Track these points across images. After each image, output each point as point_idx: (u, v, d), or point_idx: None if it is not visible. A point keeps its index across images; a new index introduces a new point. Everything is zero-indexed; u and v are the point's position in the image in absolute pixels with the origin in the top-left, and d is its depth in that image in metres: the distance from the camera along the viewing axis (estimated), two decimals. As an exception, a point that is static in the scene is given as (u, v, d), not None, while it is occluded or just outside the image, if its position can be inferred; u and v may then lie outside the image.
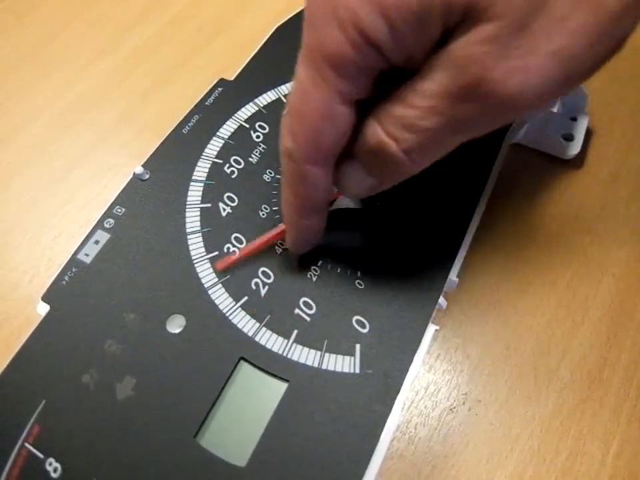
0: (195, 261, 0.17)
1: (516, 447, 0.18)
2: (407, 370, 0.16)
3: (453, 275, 0.18)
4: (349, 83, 0.12)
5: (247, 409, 0.15)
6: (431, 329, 0.17)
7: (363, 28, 0.11)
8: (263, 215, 0.18)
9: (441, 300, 0.17)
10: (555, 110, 0.21)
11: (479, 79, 0.11)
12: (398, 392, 0.15)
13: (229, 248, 0.18)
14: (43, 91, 0.26)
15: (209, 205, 0.18)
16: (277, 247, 0.18)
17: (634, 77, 0.26)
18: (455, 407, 0.19)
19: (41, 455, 0.14)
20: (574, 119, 0.24)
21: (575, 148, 0.23)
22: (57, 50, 0.28)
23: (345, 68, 0.12)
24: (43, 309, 0.16)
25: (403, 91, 0.12)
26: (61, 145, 0.25)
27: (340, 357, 0.16)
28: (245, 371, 0.16)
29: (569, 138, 0.24)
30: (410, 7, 0.11)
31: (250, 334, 0.16)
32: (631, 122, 0.25)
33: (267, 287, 0.17)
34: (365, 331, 0.16)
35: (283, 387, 0.15)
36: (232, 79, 0.21)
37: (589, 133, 0.24)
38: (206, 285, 0.17)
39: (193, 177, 0.19)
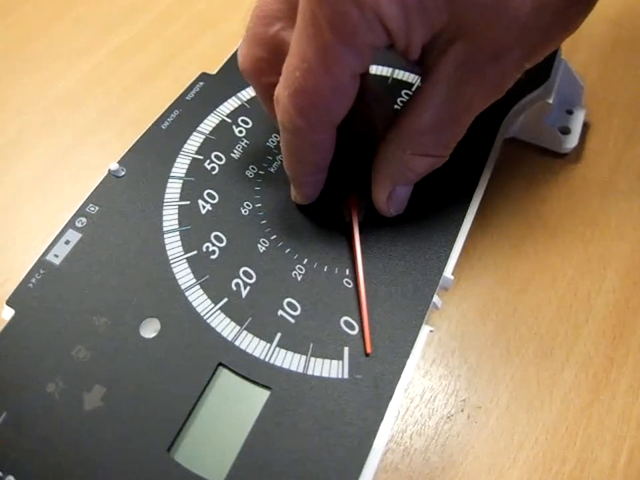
0: (171, 261, 0.16)
1: (519, 456, 0.17)
2: (400, 375, 0.15)
3: (447, 272, 0.17)
4: (360, 59, 0.13)
5: (226, 419, 0.14)
6: (425, 330, 0.16)
7: (383, 16, 0.12)
8: (245, 212, 0.17)
9: (436, 299, 0.16)
10: (550, 101, 0.21)
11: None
12: (390, 399, 0.14)
13: (208, 247, 0.17)
14: (24, 89, 0.26)
15: (188, 202, 0.17)
16: (259, 245, 0.17)
17: (631, 68, 0.26)
18: (452, 415, 0.18)
19: (-1, 473, 0.13)
20: (570, 112, 0.23)
21: (572, 141, 0.23)
22: (39, 48, 0.27)
23: (359, 46, 0.12)
24: (8, 313, 0.15)
25: (425, 118, 0.14)
26: (40, 144, 0.24)
27: (327, 361, 0.15)
28: (224, 378, 0.15)
29: (566, 131, 0.23)
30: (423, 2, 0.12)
31: (229, 338, 0.15)
32: (629, 114, 0.24)
33: (248, 288, 0.16)
34: (354, 333, 0.15)
35: (264, 394, 0.14)
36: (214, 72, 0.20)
37: (586, 126, 0.24)
38: (183, 287, 0.16)
39: (171, 174, 0.18)
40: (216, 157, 0.18)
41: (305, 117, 0.13)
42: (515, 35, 0.12)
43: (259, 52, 0.14)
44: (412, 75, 0.21)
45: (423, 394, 0.18)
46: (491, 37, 0.12)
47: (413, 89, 0.20)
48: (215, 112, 0.19)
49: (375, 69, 0.21)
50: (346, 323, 0.15)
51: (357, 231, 0.16)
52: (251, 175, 0.18)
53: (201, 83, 0.20)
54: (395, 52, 0.14)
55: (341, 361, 0.15)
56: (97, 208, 0.17)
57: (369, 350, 0.15)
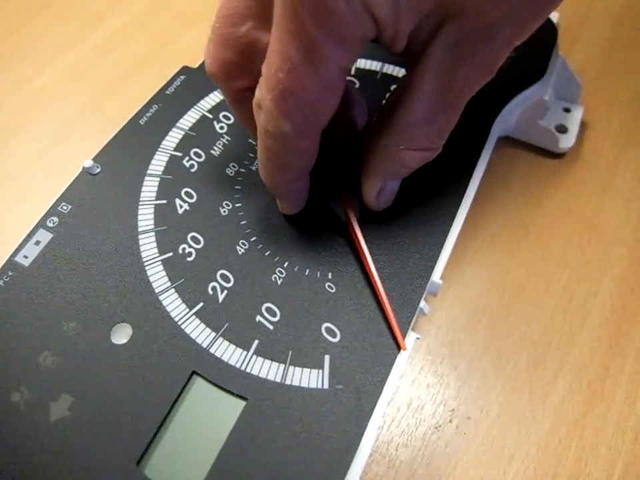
0: (146, 263, 0.15)
1: (509, 469, 0.16)
2: (383, 385, 0.14)
3: (436, 277, 0.16)
4: (348, 54, 0.12)
5: (199, 431, 0.14)
6: (412, 337, 0.15)
7: (371, 4, 0.11)
8: (225, 211, 0.17)
9: (423, 304, 0.16)
10: (546, 98, 0.20)
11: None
12: (372, 411, 0.14)
13: (184, 248, 0.16)
14: (2, 84, 0.25)
15: (165, 201, 0.17)
16: (238, 247, 0.16)
17: (630, 66, 0.25)
18: (440, 425, 0.17)
19: (-44, 489, 0.12)
20: (567, 110, 0.23)
21: (569, 140, 0.22)
22: (18, 42, 0.26)
23: (347, 39, 0.11)
24: (-28, 318, 0.15)
25: (418, 108, 0.13)
26: (18, 140, 0.23)
27: (306, 370, 0.14)
28: (198, 388, 0.14)
29: (563, 130, 0.22)
30: None
31: (204, 345, 0.14)
32: (628, 113, 0.23)
33: (225, 292, 0.15)
34: (336, 340, 0.15)
35: (240, 405, 0.14)
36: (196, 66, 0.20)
37: (583, 125, 0.23)
38: (157, 290, 0.15)
39: (148, 171, 0.17)
40: (195, 153, 0.18)
41: (292, 121, 0.12)
42: (505, 11, 0.12)
43: (228, 54, 0.13)
44: (402, 70, 0.20)
45: (410, 403, 0.18)
46: (482, 16, 0.12)
47: None
48: (195, 107, 0.19)
49: (363, 63, 0.20)
50: (327, 329, 0.15)
51: (358, 229, 0.16)
52: (231, 173, 0.17)
53: (182, 77, 0.19)
54: (380, 43, 0.13)
55: (321, 370, 0.14)
56: (70, 207, 0.16)
57: (403, 347, 0.14)
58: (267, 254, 0.16)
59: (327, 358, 0.14)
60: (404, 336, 0.15)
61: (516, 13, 0.12)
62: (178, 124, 0.18)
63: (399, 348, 0.14)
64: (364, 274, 0.16)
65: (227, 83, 0.14)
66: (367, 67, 0.20)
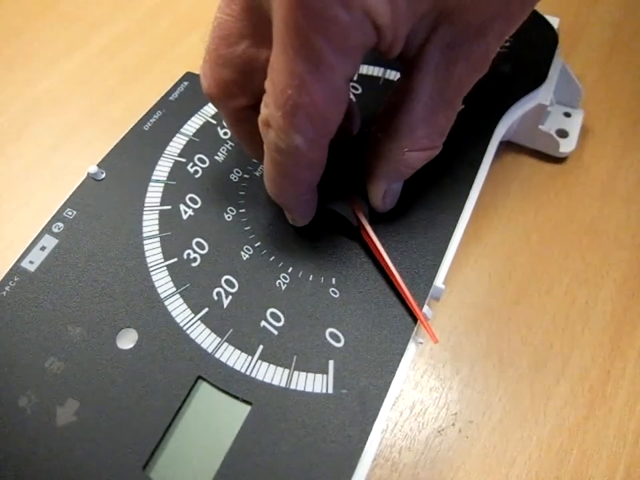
0: (151, 269, 0.16)
1: (512, 472, 0.16)
2: (387, 389, 0.14)
3: (438, 282, 0.16)
4: (353, 63, 0.12)
5: (205, 435, 0.14)
6: (415, 341, 0.15)
7: (372, 13, 0.11)
8: (229, 217, 0.17)
9: (426, 309, 0.16)
10: (546, 103, 0.20)
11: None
12: (376, 415, 0.14)
13: (189, 254, 0.16)
14: (6, 87, 0.25)
15: (169, 207, 0.17)
16: (242, 252, 0.16)
17: (630, 70, 0.25)
18: (443, 429, 0.17)
19: (-36, 493, 0.13)
20: (568, 115, 0.23)
21: (569, 145, 0.22)
22: (20, 46, 0.27)
23: (351, 49, 0.11)
24: (-21, 323, 0.15)
25: (419, 109, 0.14)
26: (21, 144, 0.23)
27: (311, 375, 0.14)
28: (203, 392, 0.14)
29: (563, 134, 0.22)
30: None
31: (210, 350, 0.14)
32: (628, 117, 0.24)
33: (230, 297, 0.15)
34: (340, 345, 0.15)
35: (245, 410, 0.14)
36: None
37: (584, 130, 0.23)
38: (162, 295, 0.15)
39: (153, 177, 0.17)
40: (199, 159, 0.18)
41: (303, 135, 0.12)
42: (497, 8, 0.12)
43: (226, 74, 0.13)
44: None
45: (413, 407, 0.18)
46: (475, 16, 0.12)
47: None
48: (199, 113, 0.19)
49: (365, 70, 0.20)
50: (331, 334, 0.15)
51: (371, 231, 0.16)
52: (235, 178, 0.18)
53: (186, 83, 0.19)
54: (376, 50, 0.13)
55: (325, 375, 0.14)
56: (75, 212, 0.17)
57: (435, 340, 0.14)
58: (271, 259, 0.16)
59: (331, 363, 0.14)
60: (408, 339, 0.15)
61: (505, 10, 0.12)
62: (182, 130, 0.18)
63: (402, 352, 0.14)
64: (367, 279, 0.16)
65: (226, 103, 0.14)
66: (370, 73, 0.20)
